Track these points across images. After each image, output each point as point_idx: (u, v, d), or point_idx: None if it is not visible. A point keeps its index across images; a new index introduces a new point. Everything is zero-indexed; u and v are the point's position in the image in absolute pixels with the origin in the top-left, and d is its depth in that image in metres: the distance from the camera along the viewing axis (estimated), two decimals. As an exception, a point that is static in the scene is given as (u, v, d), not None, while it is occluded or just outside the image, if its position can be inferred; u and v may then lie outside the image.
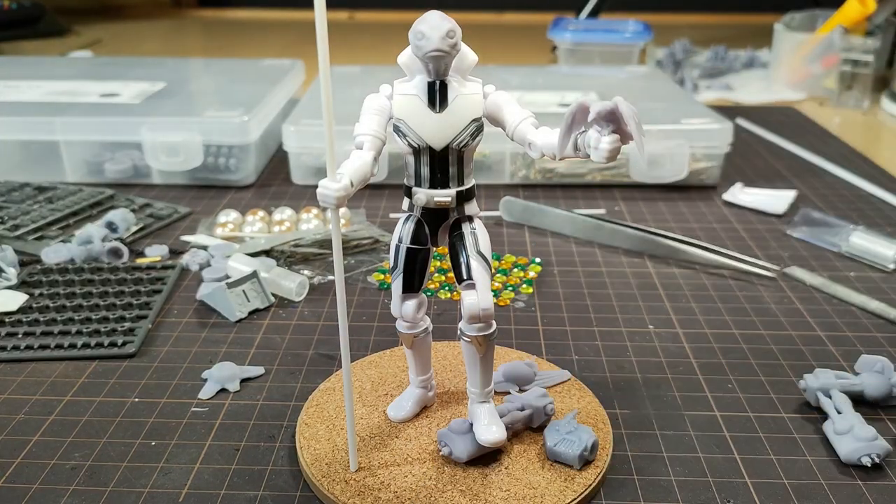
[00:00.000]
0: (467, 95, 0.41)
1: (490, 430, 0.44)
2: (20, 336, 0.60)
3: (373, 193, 0.89)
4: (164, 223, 0.81)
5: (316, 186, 0.38)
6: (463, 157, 0.42)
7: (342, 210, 0.75)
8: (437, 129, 0.41)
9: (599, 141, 0.37)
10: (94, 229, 0.74)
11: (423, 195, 0.42)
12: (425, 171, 0.42)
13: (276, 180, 0.95)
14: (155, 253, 0.74)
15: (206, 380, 0.55)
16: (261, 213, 0.81)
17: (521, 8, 2.29)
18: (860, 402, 0.52)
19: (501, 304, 0.66)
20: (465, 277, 0.42)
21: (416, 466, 0.45)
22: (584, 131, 0.38)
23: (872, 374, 0.52)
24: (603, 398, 0.53)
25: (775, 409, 0.52)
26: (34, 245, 0.75)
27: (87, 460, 0.47)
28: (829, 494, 0.45)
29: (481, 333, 0.43)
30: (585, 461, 0.45)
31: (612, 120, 0.37)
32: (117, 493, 0.45)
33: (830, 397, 0.51)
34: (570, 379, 0.54)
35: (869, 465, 0.46)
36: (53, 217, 0.80)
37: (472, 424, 0.45)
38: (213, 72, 1.18)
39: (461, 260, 0.42)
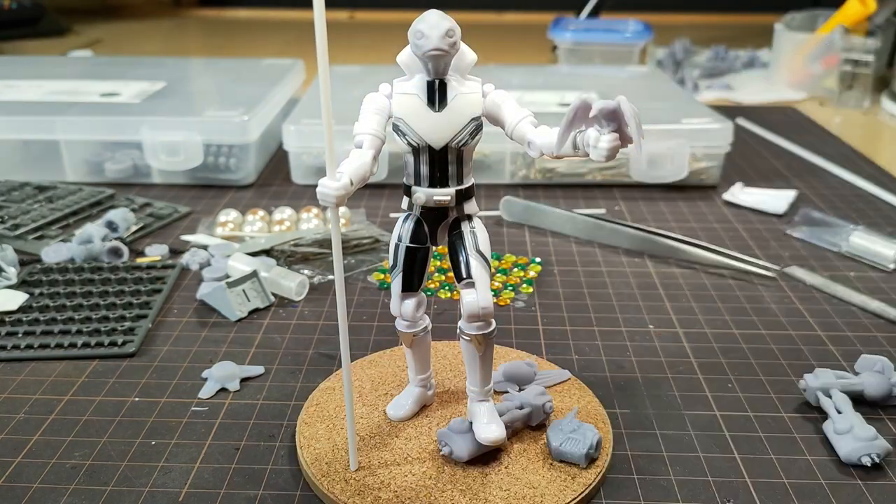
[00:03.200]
0: (466, 94, 0.41)
1: (489, 429, 0.44)
2: (20, 335, 0.60)
3: (373, 193, 0.89)
4: (164, 223, 0.81)
5: (316, 186, 0.38)
6: (462, 156, 0.42)
7: (342, 209, 0.75)
8: (437, 128, 0.41)
9: (599, 140, 0.37)
10: (94, 229, 0.74)
11: (422, 194, 0.42)
12: (425, 169, 0.42)
13: (276, 180, 0.95)
14: (155, 252, 0.74)
15: (206, 379, 0.55)
16: (261, 213, 0.81)
17: (521, 8, 2.29)
18: (860, 401, 0.52)
19: (501, 303, 0.66)
20: (464, 276, 0.42)
21: (416, 466, 0.45)
22: (583, 130, 0.38)
23: (872, 373, 0.52)
24: (603, 398, 0.53)
25: (775, 409, 0.52)
26: (34, 244, 0.75)
27: (87, 459, 0.47)
28: (829, 494, 0.45)
29: (481, 332, 0.43)
30: (591, 459, 0.45)
31: (613, 119, 0.37)
32: (117, 492, 0.45)
33: (830, 397, 0.51)
34: (569, 378, 0.54)
35: (869, 464, 0.46)
36: (53, 216, 0.80)
37: (471, 423, 0.45)
38: (213, 72, 1.18)
39: (460, 259, 0.43)
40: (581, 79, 1.19)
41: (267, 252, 0.72)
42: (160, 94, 1.01)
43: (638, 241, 0.76)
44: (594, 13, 1.62)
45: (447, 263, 0.65)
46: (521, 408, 0.48)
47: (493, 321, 0.44)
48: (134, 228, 0.79)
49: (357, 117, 0.41)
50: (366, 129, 0.41)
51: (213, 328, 0.62)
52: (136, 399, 0.53)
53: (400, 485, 0.44)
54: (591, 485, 0.44)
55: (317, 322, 0.63)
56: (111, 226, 0.77)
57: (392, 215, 0.84)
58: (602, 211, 0.86)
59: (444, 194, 0.42)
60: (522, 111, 0.42)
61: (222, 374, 0.55)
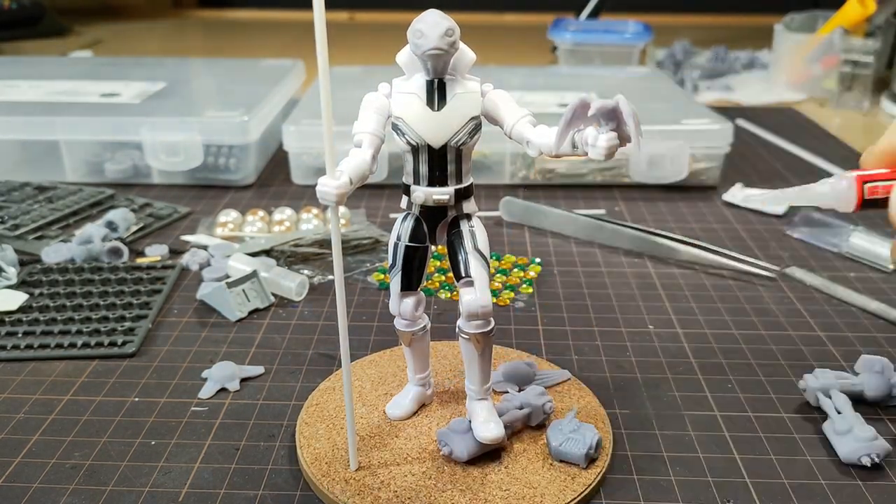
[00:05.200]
0: (466, 94, 0.41)
1: (488, 427, 0.44)
2: (20, 335, 0.60)
3: (373, 193, 0.89)
4: (164, 223, 0.81)
5: (316, 186, 0.38)
6: (461, 155, 0.42)
7: (342, 210, 0.75)
8: (436, 128, 0.41)
9: (597, 139, 0.37)
10: (94, 229, 0.74)
11: (421, 193, 0.42)
12: (424, 169, 0.42)
13: (276, 180, 0.95)
14: (155, 253, 0.74)
15: (206, 379, 0.55)
16: (261, 213, 0.81)
17: (521, 8, 2.29)
18: (860, 402, 0.52)
19: (501, 303, 0.66)
20: (463, 275, 0.42)
21: (415, 465, 0.45)
22: (581, 129, 0.38)
23: (872, 374, 0.52)
24: (603, 398, 0.52)
25: (775, 409, 0.52)
26: (34, 245, 0.75)
27: (87, 459, 0.47)
28: (829, 494, 0.45)
29: (479, 331, 0.43)
30: (591, 459, 0.45)
31: (612, 118, 0.37)
32: (117, 492, 0.45)
33: (830, 397, 0.51)
34: (569, 379, 0.54)
35: (869, 465, 0.46)
36: (53, 217, 0.80)
37: (471, 422, 0.45)
38: (213, 72, 1.18)
39: (459, 257, 0.43)
40: (581, 79, 1.19)
41: (267, 252, 0.72)
42: (160, 95, 1.01)
43: (638, 241, 0.76)
44: (594, 14, 1.62)
45: (447, 263, 0.65)
46: (520, 408, 0.48)
47: (492, 320, 0.44)
48: (134, 229, 0.79)
49: (357, 117, 0.42)
50: (365, 129, 0.41)
51: (213, 328, 0.62)
52: (136, 399, 0.53)
53: (400, 485, 0.44)
54: (591, 485, 0.44)
55: (317, 322, 0.63)
56: (111, 226, 0.77)
57: (392, 216, 0.84)
58: (602, 212, 0.86)
59: (442, 193, 0.42)
60: (521, 111, 0.42)
61: (222, 374, 0.55)
